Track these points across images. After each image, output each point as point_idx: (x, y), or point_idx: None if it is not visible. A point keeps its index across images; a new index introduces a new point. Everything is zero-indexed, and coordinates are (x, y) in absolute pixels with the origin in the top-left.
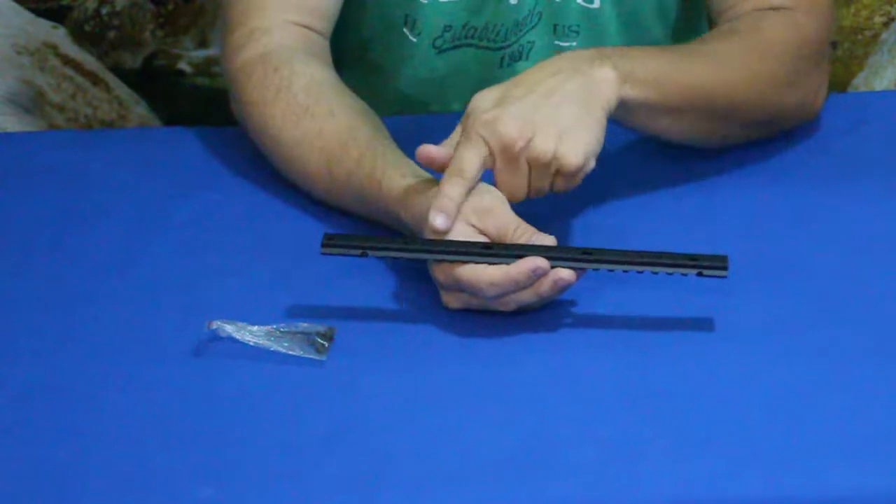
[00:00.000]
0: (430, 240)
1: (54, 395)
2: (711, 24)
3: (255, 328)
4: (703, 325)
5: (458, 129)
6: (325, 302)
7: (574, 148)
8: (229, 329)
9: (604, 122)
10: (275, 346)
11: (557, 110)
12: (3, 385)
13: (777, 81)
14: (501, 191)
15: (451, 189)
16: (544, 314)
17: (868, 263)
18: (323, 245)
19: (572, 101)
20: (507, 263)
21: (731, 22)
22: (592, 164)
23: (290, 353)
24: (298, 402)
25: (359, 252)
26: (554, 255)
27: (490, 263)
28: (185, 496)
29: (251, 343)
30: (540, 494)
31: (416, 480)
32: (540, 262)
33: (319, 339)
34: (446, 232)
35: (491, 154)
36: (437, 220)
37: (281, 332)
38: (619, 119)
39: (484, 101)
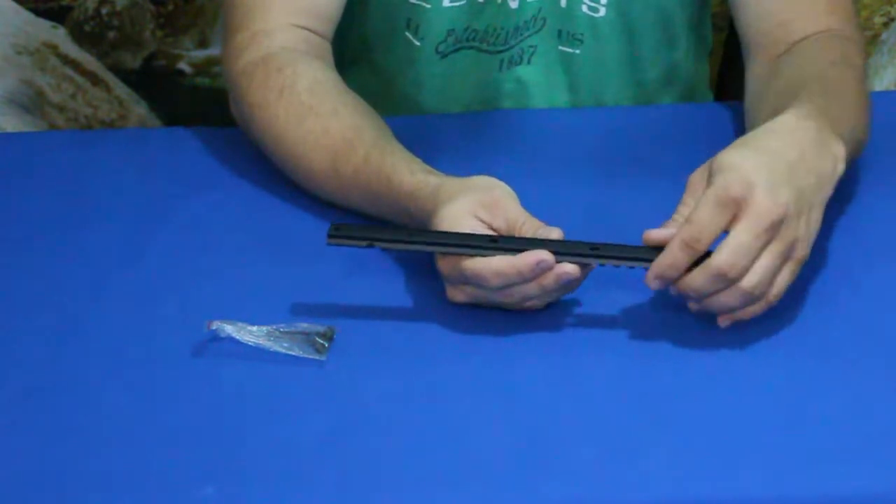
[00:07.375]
0: (436, 232)
1: (54, 395)
2: (745, 41)
3: (255, 328)
4: (703, 325)
5: (701, 200)
6: (325, 302)
7: (809, 244)
8: (229, 329)
9: None
10: (275, 346)
11: (814, 199)
12: (3, 385)
13: (868, 107)
14: (729, 256)
15: (680, 258)
16: (545, 314)
17: (868, 263)
18: (329, 235)
19: (822, 183)
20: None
21: (816, 43)
22: None
23: (290, 353)
24: (298, 402)
25: (365, 243)
26: (560, 250)
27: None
28: (185, 496)
29: (251, 343)
30: (540, 494)
31: (416, 480)
32: (544, 255)
33: (319, 339)
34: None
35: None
36: (653, 284)
37: (281, 332)
38: None
39: (761, 179)
